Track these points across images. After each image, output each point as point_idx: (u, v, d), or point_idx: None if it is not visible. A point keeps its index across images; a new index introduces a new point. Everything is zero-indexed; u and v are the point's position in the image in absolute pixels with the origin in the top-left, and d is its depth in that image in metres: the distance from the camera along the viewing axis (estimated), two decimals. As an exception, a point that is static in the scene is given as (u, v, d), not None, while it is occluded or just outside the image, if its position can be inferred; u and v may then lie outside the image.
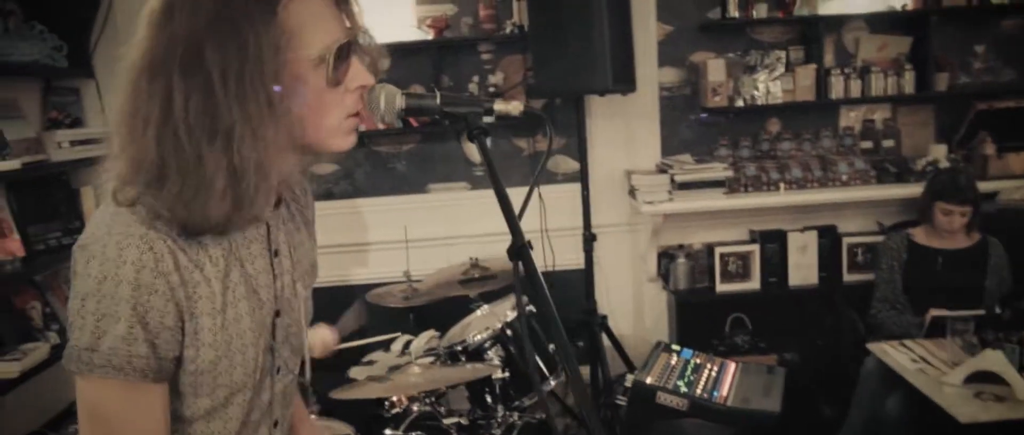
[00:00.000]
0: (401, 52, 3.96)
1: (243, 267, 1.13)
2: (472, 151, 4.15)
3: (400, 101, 1.09)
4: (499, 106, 1.09)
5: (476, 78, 4.03)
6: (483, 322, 3.16)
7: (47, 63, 3.35)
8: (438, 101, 1.09)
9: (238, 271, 1.12)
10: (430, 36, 3.95)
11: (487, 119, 1.10)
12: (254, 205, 1.02)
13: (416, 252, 3.82)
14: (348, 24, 1.08)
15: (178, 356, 1.07)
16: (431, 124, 4.01)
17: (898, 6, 3.94)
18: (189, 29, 0.97)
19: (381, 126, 3.85)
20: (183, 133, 0.97)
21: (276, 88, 0.98)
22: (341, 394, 2.66)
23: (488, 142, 1.11)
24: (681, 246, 4.14)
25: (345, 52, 1.05)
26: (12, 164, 2.92)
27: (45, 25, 3.39)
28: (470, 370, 2.82)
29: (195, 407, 1.12)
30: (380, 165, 4.16)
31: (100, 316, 0.99)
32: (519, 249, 1.00)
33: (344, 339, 3.06)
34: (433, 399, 3.00)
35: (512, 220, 1.02)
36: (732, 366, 3.46)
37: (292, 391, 1.29)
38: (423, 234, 3.98)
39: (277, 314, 1.18)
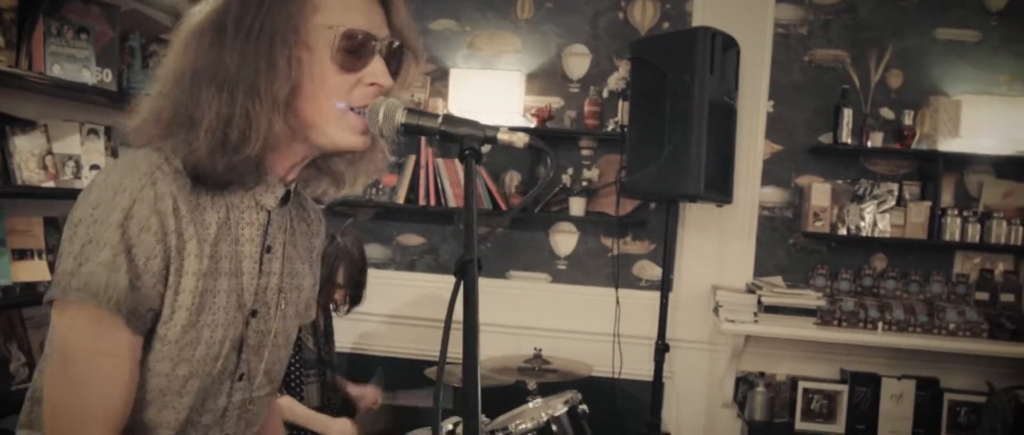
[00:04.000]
0: (501, 136, 4.00)
1: (234, 245, 1.11)
2: (558, 244, 4.11)
3: (401, 116, 1.07)
4: (503, 136, 1.06)
5: (571, 170, 4.02)
6: (533, 413, 3.04)
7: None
8: (439, 122, 1.06)
9: (228, 245, 1.10)
10: (533, 124, 3.99)
11: (486, 147, 1.06)
12: (239, 154, 1.03)
13: (485, 337, 3.75)
14: (384, 26, 1.11)
15: (156, 311, 1.04)
16: (523, 210, 4.02)
17: (1029, 152, 3.68)
18: None
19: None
20: (188, 77, 1.02)
21: (284, 49, 1.02)
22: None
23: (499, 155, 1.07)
24: (762, 374, 3.88)
25: (360, 39, 1.07)
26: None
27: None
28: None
29: (151, 385, 1.08)
30: (466, 245, 4.17)
31: (87, 241, 0.99)
32: (465, 263, 0.94)
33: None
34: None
35: (470, 236, 0.97)
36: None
37: (254, 416, 1.23)
38: (495, 319, 3.91)
39: (253, 313, 1.15)
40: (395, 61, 1.13)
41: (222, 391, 1.15)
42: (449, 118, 1.08)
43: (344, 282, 2.99)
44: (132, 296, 1.00)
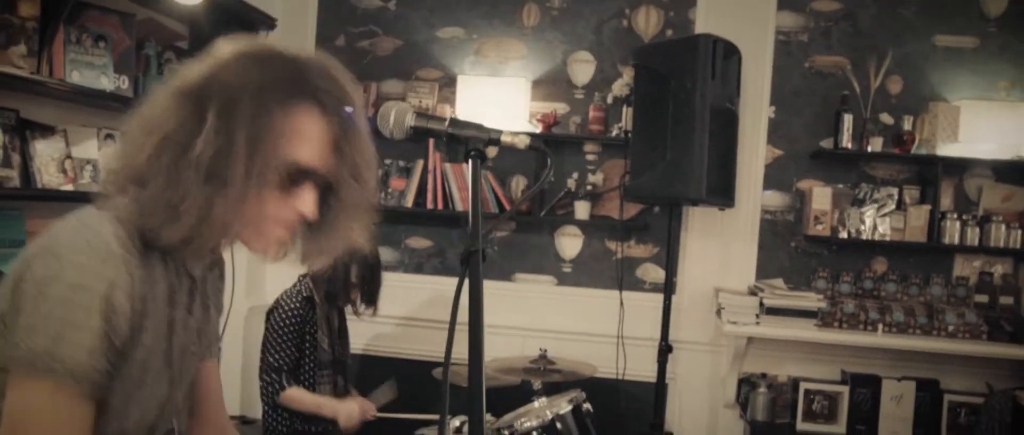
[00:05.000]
0: (507, 141, 4.09)
1: (170, 309, 1.19)
2: (564, 247, 4.18)
3: (410, 120, 1.14)
4: (506, 138, 1.13)
5: (576, 174, 4.09)
6: (538, 412, 3.10)
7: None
8: (446, 125, 1.13)
9: (166, 312, 1.19)
10: (538, 130, 4.06)
11: (492, 149, 1.13)
12: (199, 252, 1.13)
13: (491, 338, 3.79)
14: (332, 162, 1.14)
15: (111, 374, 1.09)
16: (528, 213, 4.09)
17: (1028, 157, 3.74)
18: (239, 82, 1.08)
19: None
20: (188, 161, 1.06)
21: (250, 161, 1.06)
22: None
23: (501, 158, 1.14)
24: (764, 375, 3.94)
25: (301, 174, 1.12)
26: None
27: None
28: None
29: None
30: (472, 248, 4.23)
31: (65, 322, 1.01)
32: (470, 254, 1.01)
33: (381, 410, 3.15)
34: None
35: (476, 229, 1.05)
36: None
37: None
38: (501, 321, 3.98)
39: (178, 372, 1.24)
40: (339, 192, 1.18)
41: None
42: (455, 121, 1.15)
43: (358, 281, 3.06)
44: (101, 375, 1.06)
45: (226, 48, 1.13)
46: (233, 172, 1.06)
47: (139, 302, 1.09)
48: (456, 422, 3.02)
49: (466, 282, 1.05)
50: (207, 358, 1.40)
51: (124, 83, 3.27)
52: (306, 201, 1.13)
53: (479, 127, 1.14)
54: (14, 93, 2.88)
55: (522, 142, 1.14)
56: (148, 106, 1.12)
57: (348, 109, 1.13)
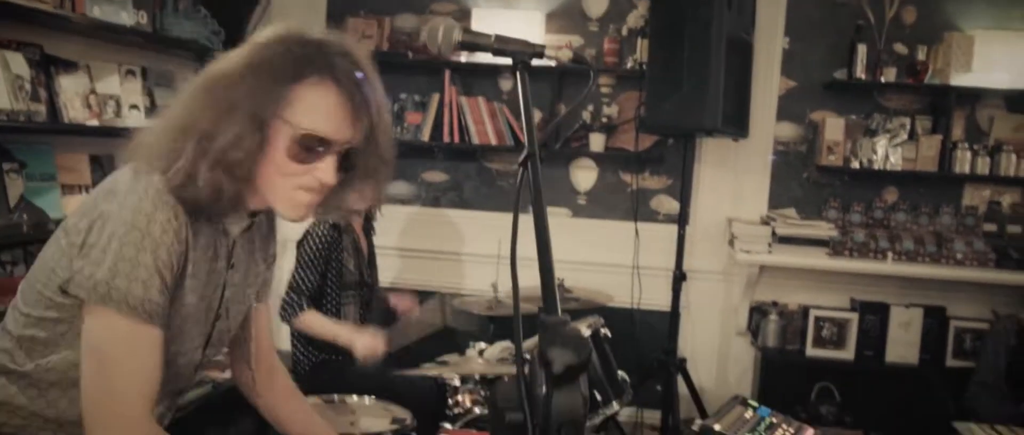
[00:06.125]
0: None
1: (213, 262, 1.32)
2: (579, 179, 4.23)
3: (457, 35, 1.18)
4: (550, 52, 1.18)
5: (591, 107, 4.11)
6: (557, 339, 3.19)
7: (205, 44, 3.68)
8: (492, 40, 1.18)
9: (208, 263, 1.31)
10: (553, 63, 4.07)
11: (537, 61, 1.19)
12: (225, 214, 1.28)
13: (507, 269, 3.89)
14: (349, 128, 1.24)
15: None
16: (543, 146, 4.12)
17: (1041, 86, 3.75)
18: (247, 64, 1.20)
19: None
20: (196, 125, 1.18)
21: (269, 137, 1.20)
22: (405, 372, 2.78)
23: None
24: (775, 303, 4.03)
25: (312, 143, 1.22)
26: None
27: (209, 10, 3.74)
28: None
29: None
30: (489, 181, 4.29)
31: (121, 258, 1.15)
32: (528, 157, 1.08)
33: (420, 331, 3.19)
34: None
35: (531, 134, 1.12)
36: (810, 432, 3.33)
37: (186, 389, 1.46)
38: (519, 252, 4.05)
39: (217, 318, 1.38)
40: (356, 158, 1.28)
41: (183, 376, 1.38)
42: (501, 38, 1.20)
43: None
44: (162, 305, 1.19)
45: (256, 36, 1.25)
46: (234, 129, 1.16)
47: (186, 245, 1.22)
48: (482, 345, 3.08)
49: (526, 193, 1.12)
50: (256, 303, 1.53)
51: (143, 18, 3.29)
52: (326, 170, 1.23)
53: (525, 42, 1.19)
54: (37, 28, 2.91)
55: (565, 55, 1.21)
56: (175, 100, 1.25)
57: (359, 75, 1.23)
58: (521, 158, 1.10)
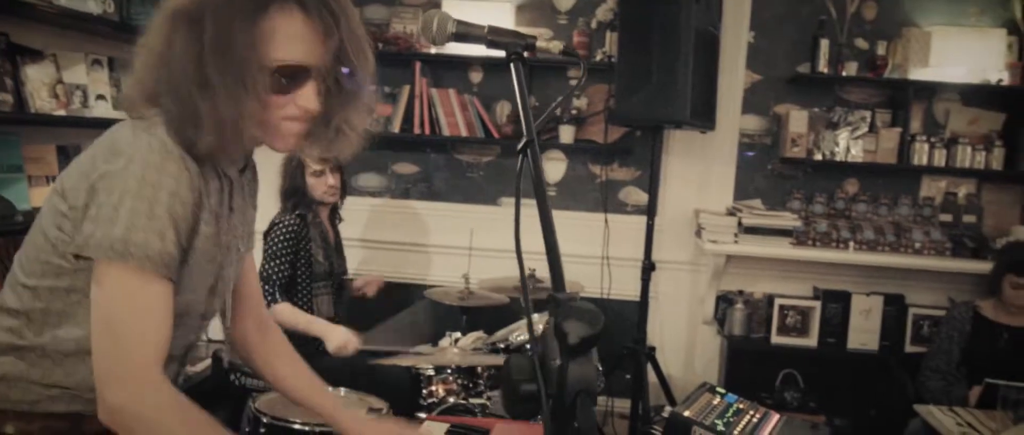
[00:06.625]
0: (492, 67, 4.13)
1: (219, 205, 1.31)
2: (548, 171, 4.27)
3: (451, 26, 1.21)
4: (540, 43, 1.21)
5: (560, 99, 4.15)
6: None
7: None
8: (486, 31, 1.21)
9: (216, 206, 1.30)
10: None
11: (528, 53, 1.22)
12: (231, 154, 1.26)
13: (478, 261, 3.92)
14: (326, 54, 1.22)
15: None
16: (512, 138, 4.15)
17: (994, 81, 3.88)
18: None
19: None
20: (179, 75, 1.16)
21: (247, 74, 1.16)
22: (380, 361, 2.80)
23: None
24: (741, 292, 4.12)
25: (293, 72, 1.20)
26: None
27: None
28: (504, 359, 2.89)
29: None
30: (459, 173, 4.31)
31: (135, 212, 1.13)
32: (528, 143, 1.11)
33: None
34: (468, 388, 3.07)
35: (528, 121, 1.16)
36: (775, 417, 3.40)
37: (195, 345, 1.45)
38: (488, 244, 4.07)
39: (222, 267, 1.37)
40: (337, 80, 1.26)
41: (191, 328, 1.37)
42: (494, 29, 1.23)
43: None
44: (177, 258, 1.19)
45: None
46: (215, 79, 1.15)
47: (198, 194, 1.21)
48: (456, 334, 3.10)
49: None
50: (243, 251, 1.51)
51: (110, 6, 3.24)
52: (307, 96, 1.22)
53: (517, 33, 1.22)
54: (3, 16, 2.86)
55: (555, 47, 1.24)
56: (148, 31, 1.22)
57: None
58: (520, 145, 1.13)
